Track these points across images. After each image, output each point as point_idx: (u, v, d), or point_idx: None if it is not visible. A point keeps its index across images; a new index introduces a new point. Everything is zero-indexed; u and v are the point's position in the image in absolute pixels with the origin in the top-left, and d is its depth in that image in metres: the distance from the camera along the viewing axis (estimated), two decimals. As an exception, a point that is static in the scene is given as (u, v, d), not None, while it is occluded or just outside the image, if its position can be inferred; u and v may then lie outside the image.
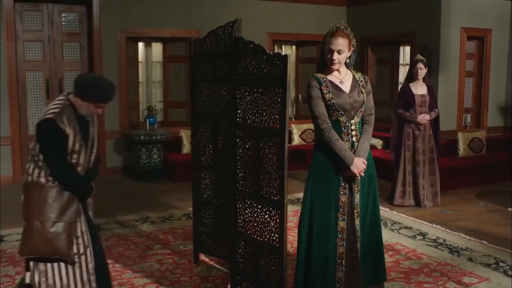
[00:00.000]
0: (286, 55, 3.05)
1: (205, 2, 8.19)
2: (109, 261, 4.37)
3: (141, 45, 8.43)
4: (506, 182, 7.30)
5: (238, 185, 3.52)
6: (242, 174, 3.48)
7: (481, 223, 5.59)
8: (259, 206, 3.36)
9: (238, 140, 3.48)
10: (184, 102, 8.36)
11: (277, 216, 3.22)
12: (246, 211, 3.47)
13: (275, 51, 8.19)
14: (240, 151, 3.48)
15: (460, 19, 7.82)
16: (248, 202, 3.44)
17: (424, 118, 6.07)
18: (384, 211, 5.89)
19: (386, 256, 4.44)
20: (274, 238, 3.25)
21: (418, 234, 5.15)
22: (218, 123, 4.04)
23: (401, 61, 9.05)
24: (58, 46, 7.64)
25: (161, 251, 4.64)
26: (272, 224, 3.26)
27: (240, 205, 3.51)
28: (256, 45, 3.30)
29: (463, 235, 5.11)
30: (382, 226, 5.21)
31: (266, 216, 3.30)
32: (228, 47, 3.72)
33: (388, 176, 6.52)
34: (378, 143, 8.17)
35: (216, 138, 4.08)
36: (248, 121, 3.38)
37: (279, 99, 3.12)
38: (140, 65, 8.45)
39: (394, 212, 5.90)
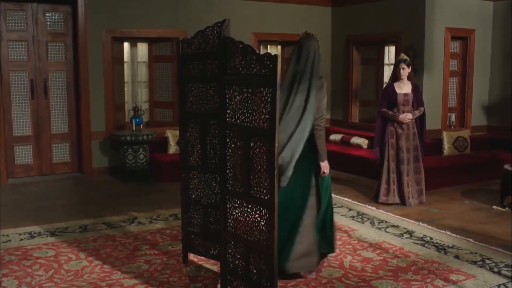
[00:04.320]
0: (276, 55, 3.07)
1: (191, 2, 8.17)
2: (97, 262, 4.37)
3: (126, 45, 8.38)
4: (491, 181, 7.38)
5: (228, 185, 3.52)
6: (232, 174, 3.49)
7: (467, 221, 5.66)
8: (249, 206, 3.36)
9: (228, 140, 3.49)
10: (170, 103, 8.34)
11: (267, 216, 3.23)
12: (236, 211, 3.48)
13: (261, 51, 8.21)
14: (229, 151, 3.49)
15: (444, 19, 7.91)
16: (238, 202, 3.45)
17: (406, 117, 6.12)
18: (370, 210, 5.94)
19: (374, 254, 4.59)
20: (264, 237, 3.26)
21: (405, 233, 5.19)
22: (207, 123, 4.03)
23: (386, 61, 9.11)
24: (42, 46, 7.56)
25: (149, 252, 4.62)
26: (262, 223, 3.27)
27: (230, 205, 3.52)
28: (245, 45, 3.30)
29: (449, 233, 5.17)
30: (369, 225, 5.45)
31: (256, 215, 3.31)
32: (216, 47, 3.71)
33: (375, 176, 6.57)
34: (363, 142, 8.22)
35: (205, 138, 4.07)
36: (238, 121, 3.38)
37: (269, 99, 3.13)
38: (125, 65, 8.41)
39: (380, 210, 5.94)
